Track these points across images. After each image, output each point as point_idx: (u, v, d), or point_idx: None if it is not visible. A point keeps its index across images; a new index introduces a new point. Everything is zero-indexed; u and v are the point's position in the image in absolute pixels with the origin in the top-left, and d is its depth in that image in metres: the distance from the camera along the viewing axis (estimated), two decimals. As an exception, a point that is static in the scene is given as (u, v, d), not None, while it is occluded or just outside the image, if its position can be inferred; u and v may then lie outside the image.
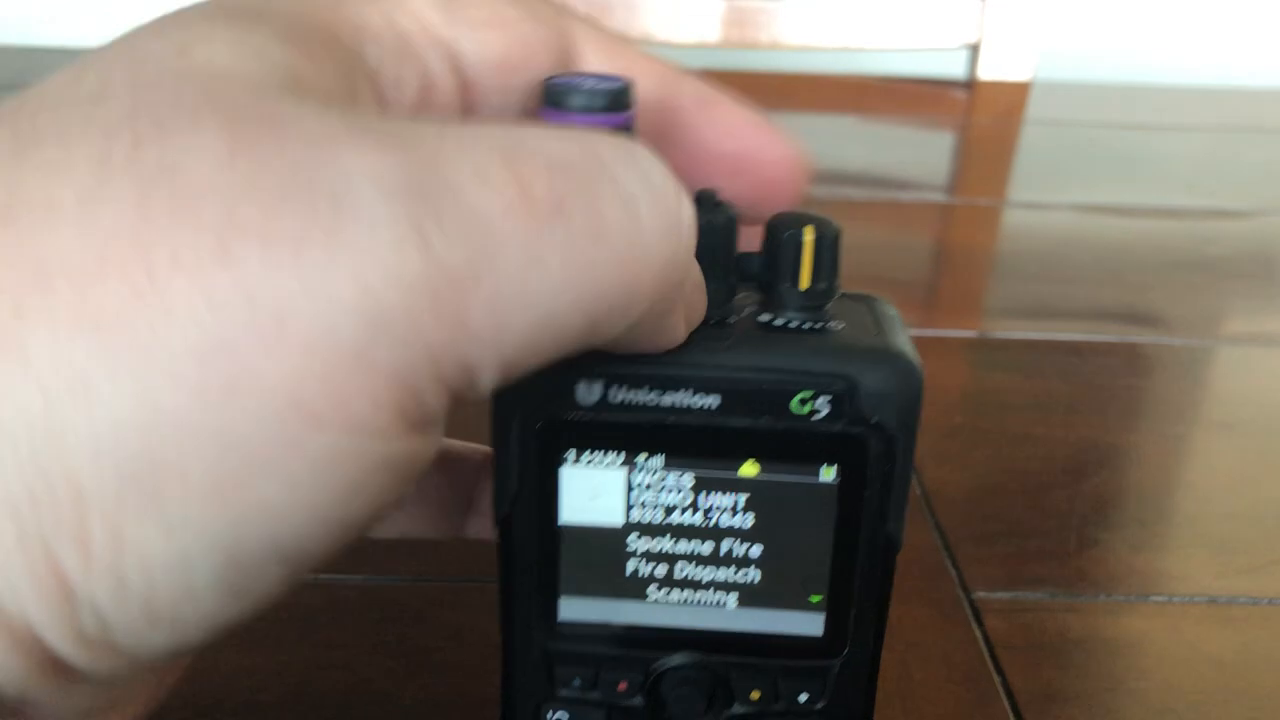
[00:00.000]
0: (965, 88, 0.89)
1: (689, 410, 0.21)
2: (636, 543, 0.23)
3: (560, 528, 0.23)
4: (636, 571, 0.23)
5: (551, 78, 0.21)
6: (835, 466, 0.22)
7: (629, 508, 0.23)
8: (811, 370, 0.21)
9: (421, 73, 0.19)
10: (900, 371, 0.21)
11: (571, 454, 0.22)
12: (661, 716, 0.24)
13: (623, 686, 0.24)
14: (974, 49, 0.90)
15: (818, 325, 0.22)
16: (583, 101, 0.20)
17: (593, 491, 0.22)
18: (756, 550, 0.23)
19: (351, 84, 0.17)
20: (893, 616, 0.36)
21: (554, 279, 0.15)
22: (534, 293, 0.14)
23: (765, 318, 0.22)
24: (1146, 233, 0.67)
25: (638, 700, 0.24)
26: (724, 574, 0.23)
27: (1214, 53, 1.03)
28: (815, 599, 0.23)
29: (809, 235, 0.21)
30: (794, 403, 0.21)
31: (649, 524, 0.23)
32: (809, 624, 0.23)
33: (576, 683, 0.24)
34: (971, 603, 0.37)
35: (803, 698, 0.24)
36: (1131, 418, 0.49)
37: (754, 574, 0.23)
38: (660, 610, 0.24)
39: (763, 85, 0.84)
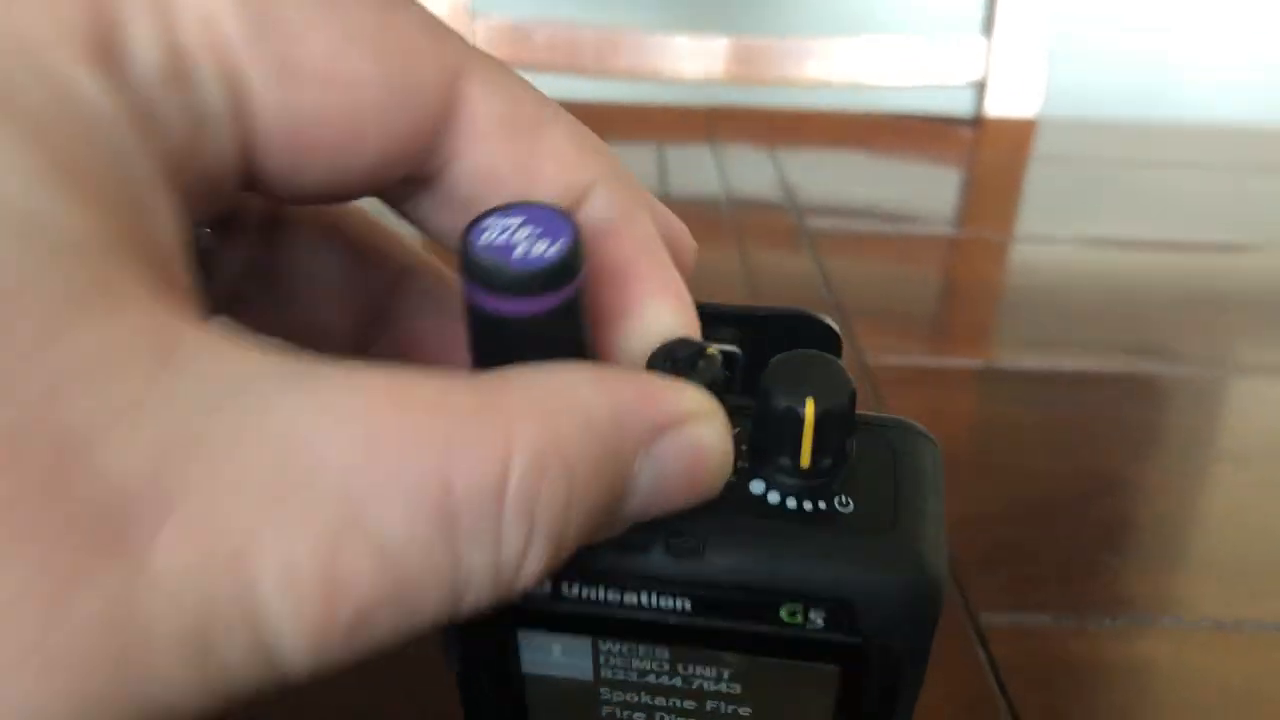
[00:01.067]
0: (972, 125, 0.90)
1: (657, 609, 0.18)
2: (609, 694, 0.20)
3: (526, 676, 0.20)
4: (614, 714, 0.21)
5: (474, 226, 0.16)
6: (834, 665, 0.19)
7: (598, 667, 0.20)
8: (800, 585, 0.17)
9: (193, 115, 0.15)
10: (910, 589, 0.17)
11: (527, 630, 0.19)
12: None
13: None
14: (980, 86, 0.91)
15: (819, 504, 0.18)
16: (509, 285, 0.16)
17: (556, 649, 0.20)
18: (746, 711, 0.20)
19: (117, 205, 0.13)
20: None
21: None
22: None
23: (756, 488, 0.18)
24: (1154, 266, 0.67)
25: None
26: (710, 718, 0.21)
27: (1223, 90, 1.04)
28: None
29: (810, 411, 0.17)
30: (782, 613, 0.18)
31: (622, 681, 0.20)
32: None
33: None
34: (977, 627, 0.37)
35: None
36: (1139, 447, 0.49)
37: (745, 714, 0.20)
38: None
39: (770, 121, 0.85)
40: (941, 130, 0.88)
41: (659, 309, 0.18)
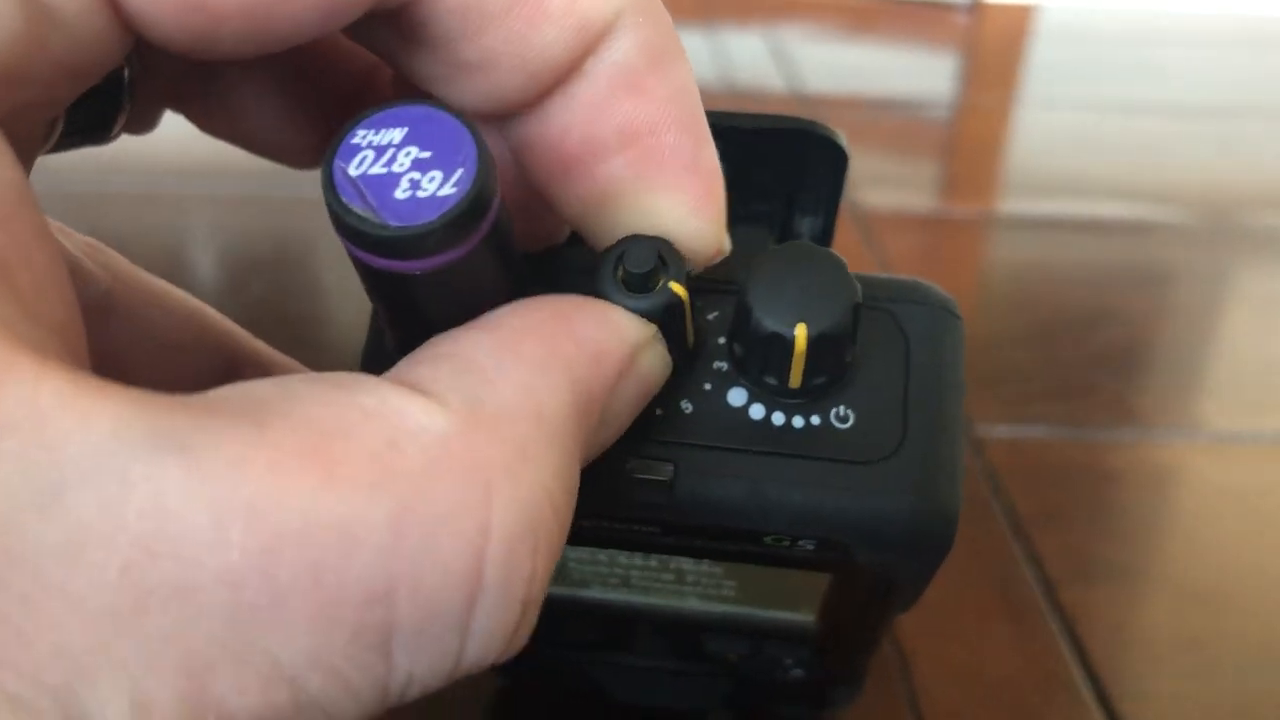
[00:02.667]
0: (969, 10, 0.89)
1: (629, 530, 0.16)
2: (579, 565, 0.18)
3: None
4: (585, 575, 0.19)
5: (340, 145, 0.12)
6: (826, 574, 0.17)
7: (564, 555, 0.18)
8: (783, 525, 0.14)
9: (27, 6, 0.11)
10: (915, 526, 0.14)
11: None
12: (627, 651, 0.21)
13: (582, 640, 0.21)
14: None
15: (811, 420, 0.15)
16: (391, 245, 0.12)
17: None
18: (730, 582, 0.18)
19: None
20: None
21: None
22: None
23: (737, 399, 0.15)
24: (1155, 130, 0.67)
25: (600, 643, 0.21)
26: (692, 589, 0.19)
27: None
28: (806, 609, 0.19)
29: (801, 337, 0.14)
30: (766, 540, 0.15)
31: (590, 559, 0.18)
32: (798, 614, 0.19)
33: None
34: (973, 438, 0.37)
35: (788, 660, 0.20)
36: (1139, 284, 0.48)
37: (728, 592, 0.19)
38: (620, 595, 0.19)
39: (761, 5, 0.84)
40: (938, 15, 0.87)
41: (682, 201, 0.14)
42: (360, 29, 0.13)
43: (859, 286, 0.14)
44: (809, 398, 0.15)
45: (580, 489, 0.13)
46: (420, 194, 0.11)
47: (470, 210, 0.12)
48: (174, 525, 0.09)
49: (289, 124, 0.18)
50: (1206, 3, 0.95)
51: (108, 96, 0.16)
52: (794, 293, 0.14)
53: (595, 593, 0.19)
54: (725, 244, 0.15)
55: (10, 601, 0.09)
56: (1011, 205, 0.55)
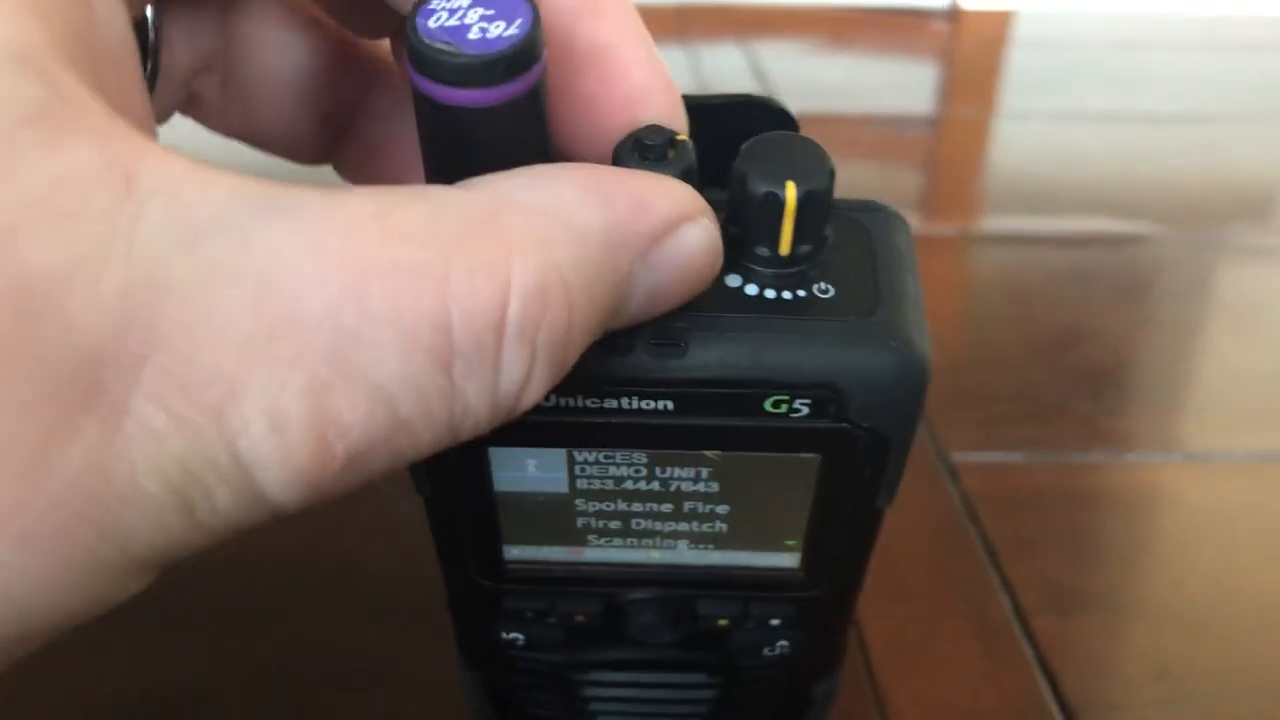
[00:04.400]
0: (948, 17, 0.89)
1: (639, 412, 0.17)
2: (586, 506, 0.20)
3: (496, 494, 0.20)
4: (589, 525, 0.20)
5: (419, 7, 0.15)
6: (817, 453, 0.18)
7: (573, 479, 0.19)
8: (784, 374, 0.17)
9: None
10: (897, 368, 0.16)
11: (498, 445, 0.19)
12: (623, 634, 0.22)
13: (580, 618, 0.22)
14: (956, -21, 0.89)
15: (799, 293, 0.17)
16: (465, 72, 0.14)
17: (530, 464, 0.19)
18: (724, 508, 0.20)
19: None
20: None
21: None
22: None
23: (733, 281, 0.17)
24: (1131, 139, 0.67)
25: (598, 622, 0.22)
26: (687, 526, 0.20)
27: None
28: (790, 543, 0.20)
29: (791, 195, 0.16)
30: (766, 404, 0.17)
31: (598, 490, 0.20)
32: (783, 560, 0.21)
33: (529, 614, 0.22)
34: (948, 464, 0.37)
35: (774, 622, 0.22)
36: (1112, 302, 0.49)
37: (721, 526, 0.20)
38: (618, 552, 0.21)
39: (741, 18, 0.84)
40: (917, 23, 0.87)
41: (646, 99, 0.17)
42: None
43: (832, 160, 0.17)
44: (795, 269, 0.17)
45: (604, 360, 0.16)
46: (489, 35, 0.14)
47: (528, 48, 0.14)
48: (285, 267, 0.11)
49: (299, 121, 0.21)
50: (1184, 6, 0.95)
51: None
52: (781, 161, 0.16)
53: (596, 552, 0.21)
54: (686, 124, 0.18)
55: (172, 327, 0.11)
56: (990, 223, 0.55)
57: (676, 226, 0.15)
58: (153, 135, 0.13)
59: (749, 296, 0.17)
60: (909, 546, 0.34)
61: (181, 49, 0.19)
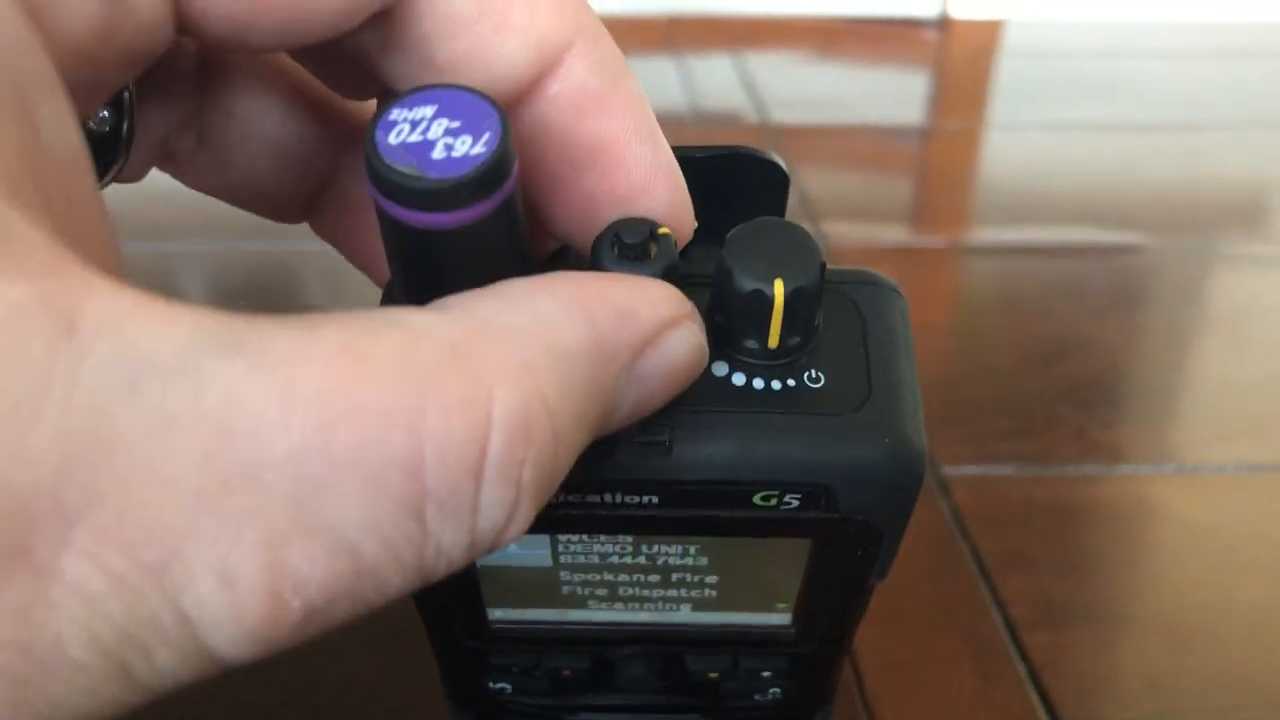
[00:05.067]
0: (937, 26, 0.89)
1: (624, 505, 0.17)
2: (570, 576, 0.19)
3: (477, 567, 0.19)
4: (574, 593, 0.20)
5: (379, 120, 0.14)
6: (808, 538, 0.18)
7: (557, 555, 0.19)
8: (772, 473, 0.16)
9: None
10: (890, 465, 0.16)
11: None
12: (611, 687, 0.22)
13: (567, 672, 0.22)
14: (945, -12, 0.89)
15: (788, 383, 0.16)
16: (430, 197, 0.13)
17: (512, 545, 0.18)
18: (713, 578, 0.19)
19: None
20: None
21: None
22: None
23: (720, 370, 0.16)
24: (1121, 148, 0.67)
25: (586, 676, 0.22)
26: (676, 593, 0.20)
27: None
28: (782, 605, 0.20)
29: (779, 292, 0.15)
30: (755, 499, 0.16)
31: (583, 564, 0.19)
32: (775, 619, 0.20)
33: (515, 669, 0.22)
34: (939, 478, 0.37)
35: (765, 674, 0.21)
36: (1102, 312, 0.49)
37: (711, 593, 0.20)
38: (604, 614, 0.20)
39: (731, 29, 0.84)
40: (907, 32, 0.87)
41: (648, 195, 0.16)
42: (352, 32, 0.15)
43: (822, 250, 0.16)
44: (785, 359, 0.16)
45: (589, 458, 0.14)
46: (454, 154, 0.13)
47: (498, 166, 0.13)
48: (244, 412, 0.11)
49: (275, 180, 0.20)
50: (1173, 15, 0.95)
51: (105, 145, 0.17)
52: (768, 255, 0.16)
53: (583, 613, 0.20)
54: (692, 224, 0.17)
55: (112, 482, 0.10)
56: (980, 234, 0.55)
57: (662, 334, 0.15)
58: (108, 252, 0.12)
59: (736, 387, 0.16)
60: (900, 563, 0.34)
61: (156, 114, 0.19)
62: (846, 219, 0.56)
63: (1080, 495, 0.37)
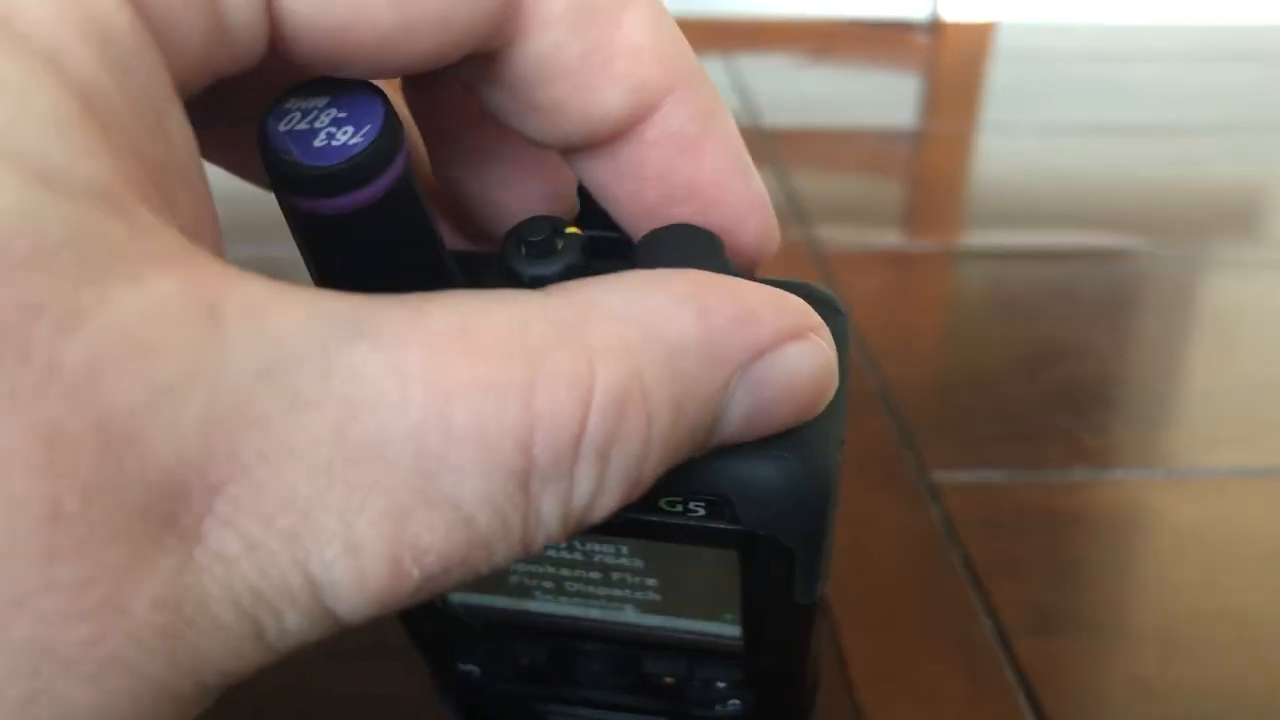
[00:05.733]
0: (929, 29, 0.89)
1: None
2: (517, 565, 0.20)
3: None
4: (524, 583, 0.20)
5: (274, 108, 0.14)
6: (729, 549, 0.17)
7: None
8: (672, 480, 0.15)
9: (215, 20, 0.13)
10: (787, 481, 0.15)
11: None
12: (573, 681, 0.22)
13: (526, 661, 0.22)
14: (937, -9, 0.90)
15: None
16: (304, 183, 0.14)
17: None
18: (652, 581, 0.19)
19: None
20: (848, 499, 0.36)
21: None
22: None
23: None
24: (1112, 151, 0.67)
25: (547, 666, 0.22)
26: (620, 592, 0.20)
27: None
28: (728, 616, 0.20)
29: None
30: (661, 503, 0.16)
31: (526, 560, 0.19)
32: (725, 629, 0.20)
33: (478, 651, 0.22)
34: (930, 484, 0.37)
35: (720, 685, 0.22)
36: (1093, 316, 0.49)
37: (654, 596, 0.20)
38: (560, 607, 0.21)
39: (725, 31, 0.84)
40: (898, 35, 0.87)
41: (747, 229, 0.17)
42: (451, 65, 0.16)
43: (730, 261, 0.16)
44: None
45: None
46: (334, 143, 0.14)
47: (373, 157, 0.14)
48: (367, 390, 0.11)
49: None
50: (1165, 18, 0.96)
51: None
52: (669, 259, 0.15)
53: (538, 604, 0.21)
54: (777, 246, 0.18)
55: (250, 457, 0.11)
56: (972, 238, 0.55)
57: (781, 344, 0.14)
58: (221, 245, 0.13)
59: None
60: (890, 569, 0.34)
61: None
62: (839, 223, 0.56)
63: (1071, 501, 0.37)
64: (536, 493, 0.13)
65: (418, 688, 0.29)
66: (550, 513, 0.13)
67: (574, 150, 0.17)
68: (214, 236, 0.13)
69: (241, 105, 0.19)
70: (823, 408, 0.15)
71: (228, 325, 0.11)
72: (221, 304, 0.11)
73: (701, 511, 0.16)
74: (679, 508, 0.16)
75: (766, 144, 0.66)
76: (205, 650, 0.11)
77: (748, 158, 0.17)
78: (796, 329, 0.15)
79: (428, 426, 0.12)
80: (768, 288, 0.15)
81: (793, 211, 0.57)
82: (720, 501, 0.16)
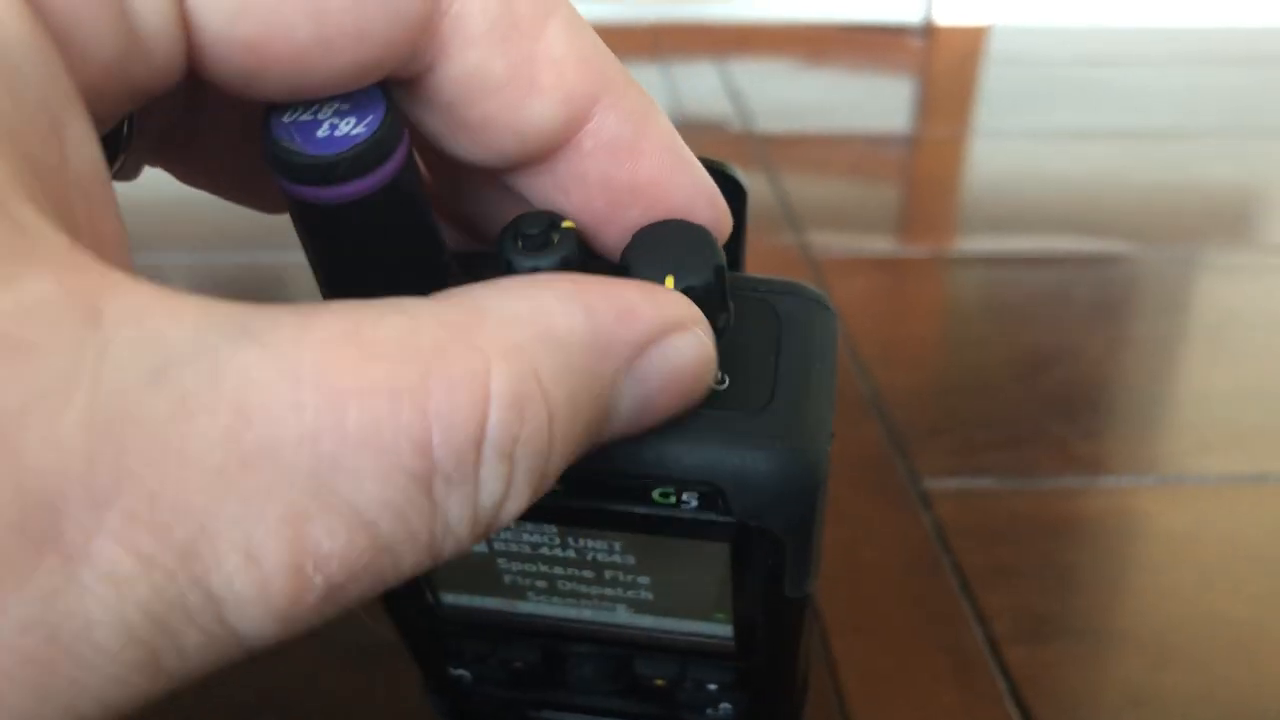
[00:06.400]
0: (922, 33, 0.89)
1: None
2: (508, 565, 0.20)
3: None
4: (516, 582, 0.20)
5: (273, 108, 0.14)
6: (720, 542, 0.18)
7: (490, 541, 0.19)
8: (665, 469, 0.16)
9: (124, 30, 0.13)
10: (780, 470, 0.16)
11: None
12: (565, 685, 0.22)
13: (519, 664, 0.22)
14: (930, -5, 0.90)
15: None
16: (306, 172, 0.14)
17: None
18: (645, 579, 0.20)
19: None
20: (840, 505, 0.36)
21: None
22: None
23: None
24: (1106, 155, 0.67)
25: (539, 670, 0.22)
26: (613, 592, 0.20)
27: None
28: (720, 615, 0.20)
29: (669, 286, 0.16)
30: (655, 495, 0.17)
31: (515, 553, 0.19)
32: (716, 629, 0.20)
33: (470, 655, 0.22)
34: (921, 491, 0.37)
35: (711, 687, 0.22)
36: (1086, 322, 0.49)
37: (646, 595, 0.20)
38: (552, 608, 0.21)
39: (716, 35, 0.84)
40: (892, 39, 0.87)
41: (698, 218, 0.17)
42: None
43: (722, 253, 0.16)
44: None
45: None
46: (336, 134, 0.14)
47: (375, 147, 0.14)
48: (260, 394, 0.11)
49: (262, 172, 0.20)
50: (1157, 22, 0.96)
51: (105, 145, 0.17)
52: (665, 255, 0.16)
53: (530, 605, 0.21)
54: (730, 227, 0.18)
55: (139, 464, 0.10)
56: (965, 243, 0.55)
57: (664, 336, 0.15)
58: (125, 259, 0.13)
59: None
60: (881, 576, 0.34)
61: (153, 111, 0.19)
62: (831, 228, 0.56)
63: (1063, 508, 0.37)
64: (441, 497, 0.12)
65: (408, 690, 0.29)
66: (458, 517, 0.13)
67: (512, 169, 0.17)
68: (117, 248, 0.13)
69: (215, 129, 0.19)
70: (703, 397, 0.16)
71: (110, 327, 0.11)
72: (104, 306, 0.11)
73: (695, 504, 0.16)
74: (672, 499, 0.16)
75: (759, 149, 0.66)
76: (84, 681, 0.11)
77: (686, 150, 0.17)
78: (677, 321, 0.15)
79: (322, 430, 0.11)
80: (646, 284, 0.15)
81: (785, 216, 0.57)
82: (713, 492, 0.16)
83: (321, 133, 0.14)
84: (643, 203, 0.17)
